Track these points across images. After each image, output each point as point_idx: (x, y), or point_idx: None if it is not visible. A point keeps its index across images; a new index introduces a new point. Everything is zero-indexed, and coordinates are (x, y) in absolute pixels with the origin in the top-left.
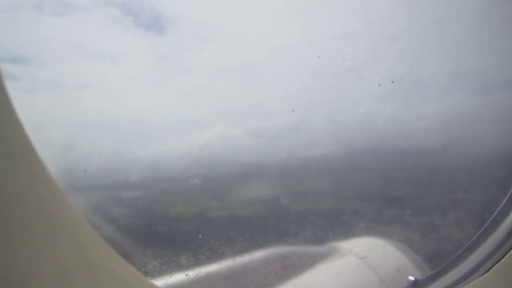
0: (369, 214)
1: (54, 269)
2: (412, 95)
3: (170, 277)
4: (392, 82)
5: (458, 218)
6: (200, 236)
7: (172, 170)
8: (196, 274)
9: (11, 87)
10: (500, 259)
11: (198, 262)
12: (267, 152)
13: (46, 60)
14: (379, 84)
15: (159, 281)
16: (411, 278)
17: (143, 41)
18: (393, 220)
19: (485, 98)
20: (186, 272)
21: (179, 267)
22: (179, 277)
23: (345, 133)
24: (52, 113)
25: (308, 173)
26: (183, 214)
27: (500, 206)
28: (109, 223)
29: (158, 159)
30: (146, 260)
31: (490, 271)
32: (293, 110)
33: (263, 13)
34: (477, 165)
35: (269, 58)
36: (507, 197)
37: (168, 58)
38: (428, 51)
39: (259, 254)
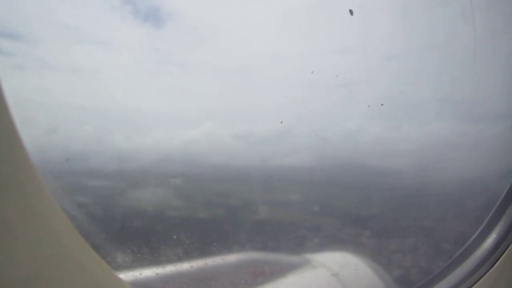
0: (342, 230)
1: (27, 253)
2: (401, 116)
3: (140, 274)
4: (382, 105)
5: (425, 243)
6: (173, 235)
7: (153, 165)
8: (166, 273)
9: (1, 62)
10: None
11: (169, 261)
12: (250, 158)
13: (40, 39)
14: (369, 106)
15: (128, 276)
16: None
17: (139, 32)
18: (364, 238)
19: (472, 127)
20: (156, 271)
21: (150, 264)
22: (148, 274)
23: (329, 148)
24: (40, 93)
25: (287, 183)
26: (159, 211)
27: (481, 228)
28: (82, 211)
29: (140, 152)
30: (117, 254)
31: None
32: (282, 122)
33: (263, 19)
34: (453, 193)
35: (264, 64)
36: (487, 219)
37: (162, 52)
38: (423, 75)
39: (231, 258)
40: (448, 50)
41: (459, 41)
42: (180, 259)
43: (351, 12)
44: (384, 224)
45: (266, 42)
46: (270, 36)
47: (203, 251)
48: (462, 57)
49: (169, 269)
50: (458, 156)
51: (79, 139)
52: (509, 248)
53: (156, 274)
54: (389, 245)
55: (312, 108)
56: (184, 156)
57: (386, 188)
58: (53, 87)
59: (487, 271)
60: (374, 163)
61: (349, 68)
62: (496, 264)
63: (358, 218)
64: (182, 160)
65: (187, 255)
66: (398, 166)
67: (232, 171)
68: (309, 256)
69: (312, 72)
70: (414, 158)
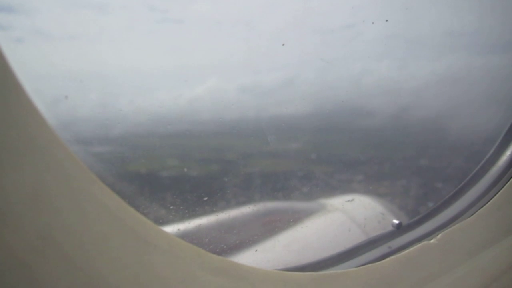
0: (349, 174)
1: (33, 187)
2: (408, 53)
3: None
4: (386, 21)
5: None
6: (188, 189)
7: (159, 125)
8: (184, 225)
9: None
10: (483, 206)
11: (186, 215)
12: (256, 109)
13: (35, 9)
14: (373, 23)
15: None
16: (395, 221)
17: None
18: (371, 179)
19: (480, 59)
20: (177, 227)
21: (168, 218)
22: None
23: (334, 91)
24: (42, 64)
25: (295, 132)
26: (172, 168)
27: (486, 158)
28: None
29: (145, 114)
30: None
31: (473, 216)
32: (283, 44)
33: None
34: (463, 128)
35: (264, 13)
36: (493, 149)
37: (158, 9)
38: (427, 8)
39: (247, 210)
40: None
41: None
42: (199, 213)
43: None
44: (392, 163)
45: None
46: None
47: (218, 205)
48: None
49: (188, 223)
50: (466, 91)
51: (85, 107)
52: None
53: (178, 230)
54: (398, 183)
55: (315, 53)
56: (191, 114)
57: (393, 128)
58: (53, 57)
59: (502, 187)
60: (380, 105)
61: (351, 7)
62: (510, 181)
63: (365, 159)
64: (188, 118)
65: (205, 209)
66: (407, 105)
67: (241, 124)
68: (323, 201)
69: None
70: (423, 96)
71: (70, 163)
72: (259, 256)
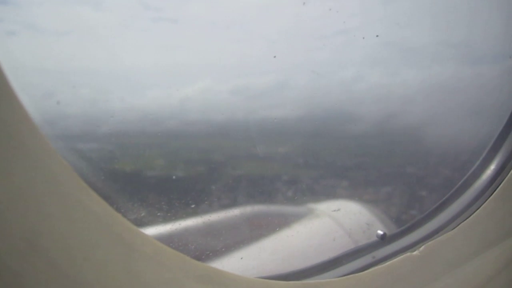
0: (338, 178)
1: (24, 194)
2: (401, 61)
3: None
4: (377, 36)
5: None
6: (175, 190)
7: (148, 124)
8: (170, 227)
9: None
10: (466, 219)
11: (172, 216)
12: (246, 111)
13: (27, 2)
14: (363, 38)
15: None
16: (380, 232)
17: None
18: (360, 185)
19: (470, 69)
20: (160, 228)
21: (153, 219)
22: (152, 231)
23: (326, 97)
24: (33, 58)
25: (286, 135)
26: (160, 168)
27: (471, 170)
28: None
29: (136, 112)
30: (121, 210)
31: (456, 228)
32: (275, 56)
33: None
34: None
35: (259, 16)
36: (477, 163)
37: (153, 8)
38: (421, 18)
39: (235, 212)
40: None
41: None
42: (185, 215)
43: None
44: (380, 170)
45: None
46: None
47: (204, 208)
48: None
49: (174, 225)
50: (456, 99)
51: (75, 102)
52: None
53: (162, 232)
54: (387, 189)
55: (308, 58)
56: (181, 114)
57: (382, 135)
58: (46, 51)
59: (484, 201)
60: (372, 111)
61: (346, 13)
62: (493, 195)
63: (354, 165)
64: (179, 118)
65: (192, 211)
66: (398, 111)
67: (231, 126)
68: (311, 206)
69: (304, 3)
70: (412, 104)
71: (59, 168)
72: (244, 263)
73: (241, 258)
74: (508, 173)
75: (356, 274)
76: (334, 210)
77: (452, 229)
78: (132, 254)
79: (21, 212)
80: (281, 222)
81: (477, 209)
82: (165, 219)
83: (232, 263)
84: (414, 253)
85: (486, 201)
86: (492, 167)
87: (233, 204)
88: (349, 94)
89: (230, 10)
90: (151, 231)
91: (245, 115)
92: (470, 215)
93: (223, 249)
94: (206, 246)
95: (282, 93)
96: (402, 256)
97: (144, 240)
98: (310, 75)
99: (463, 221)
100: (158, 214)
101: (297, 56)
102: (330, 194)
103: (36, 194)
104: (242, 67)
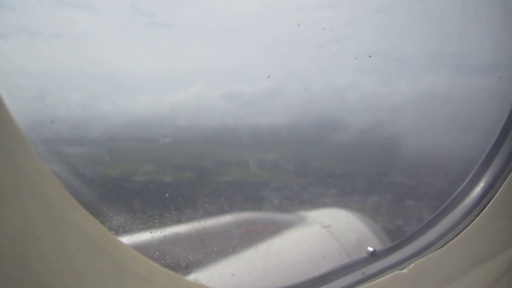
0: (330, 187)
1: (18, 218)
2: (393, 71)
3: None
4: (370, 56)
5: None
6: (166, 195)
7: (142, 128)
8: (161, 233)
9: None
10: (455, 237)
11: (163, 222)
12: (240, 118)
13: (19, 5)
14: (356, 58)
15: (122, 238)
16: (370, 248)
17: None
18: (353, 194)
19: (460, 80)
20: (152, 233)
21: (145, 227)
22: (144, 236)
23: (318, 105)
24: (23, 61)
25: (278, 142)
26: (151, 173)
27: (460, 187)
28: (74, 178)
29: (127, 116)
30: (111, 215)
31: (444, 246)
32: (269, 76)
33: None
34: (439, 147)
35: (252, 23)
36: (465, 181)
37: (147, 13)
38: (412, 28)
39: (226, 219)
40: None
41: None
42: (174, 219)
43: None
44: (371, 179)
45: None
46: None
47: (198, 213)
48: (452, 8)
49: (165, 231)
50: (448, 109)
51: (66, 106)
52: (495, 197)
53: (151, 232)
54: (378, 199)
55: (301, 66)
56: (173, 119)
57: (374, 144)
58: (37, 54)
59: (474, 219)
60: (364, 119)
61: (337, 22)
62: (482, 212)
63: (346, 174)
64: (171, 124)
65: (181, 218)
66: (389, 120)
67: (223, 132)
68: (303, 213)
69: (298, 24)
70: (404, 113)
71: (53, 189)
72: (235, 280)
73: (232, 275)
74: (497, 190)
75: None
76: (325, 226)
77: (442, 247)
78: (125, 274)
79: (15, 238)
80: (272, 230)
81: (467, 226)
82: (154, 226)
83: (223, 280)
84: (403, 271)
85: (475, 218)
86: (482, 184)
87: (223, 210)
88: (342, 102)
89: (223, 16)
90: (141, 237)
91: (237, 121)
92: (460, 233)
93: (213, 256)
94: (195, 255)
95: (274, 99)
96: (391, 274)
97: (136, 259)
98: (303, 83)
99: (452, 239)
100: (148, 220)
101: (289, 64)
102: (320, 202)
103: (31, 218)
104: (235, 73)
